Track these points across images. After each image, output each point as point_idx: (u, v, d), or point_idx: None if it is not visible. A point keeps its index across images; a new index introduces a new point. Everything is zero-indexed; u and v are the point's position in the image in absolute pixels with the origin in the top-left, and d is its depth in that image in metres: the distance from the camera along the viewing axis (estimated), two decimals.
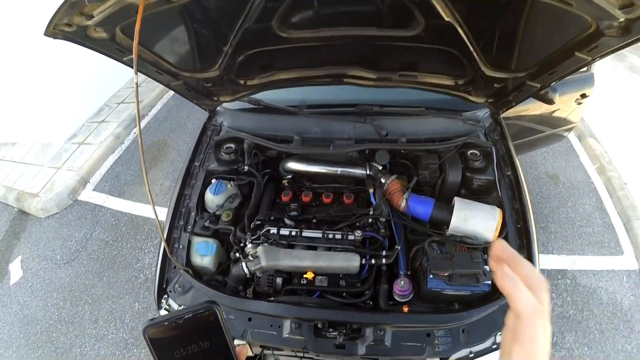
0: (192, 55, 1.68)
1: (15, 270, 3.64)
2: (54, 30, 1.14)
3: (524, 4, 1.29)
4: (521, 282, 0.50)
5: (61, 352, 2.95)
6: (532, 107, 2.83)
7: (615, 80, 5.16)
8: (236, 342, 1.50)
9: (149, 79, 1.63)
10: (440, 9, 1.32)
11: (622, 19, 1.03)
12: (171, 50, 1.61)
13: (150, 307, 3.04)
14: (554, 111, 3.02)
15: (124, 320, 3.02)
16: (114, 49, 1.36)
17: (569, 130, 3.34)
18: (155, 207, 3.81)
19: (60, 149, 4.72)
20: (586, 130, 4.26)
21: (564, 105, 2.99)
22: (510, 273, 0.51)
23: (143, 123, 4.89)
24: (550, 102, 2.22)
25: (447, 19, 1.35)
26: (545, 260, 3.10)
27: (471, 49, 1.54)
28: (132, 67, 1.46)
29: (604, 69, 5.37)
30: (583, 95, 2.98)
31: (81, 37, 1.23)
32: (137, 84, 1.14)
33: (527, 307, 0.49)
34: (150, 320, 0.50)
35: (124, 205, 3.92)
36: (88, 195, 4.13)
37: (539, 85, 1.61)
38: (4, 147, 5.22)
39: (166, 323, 0.51)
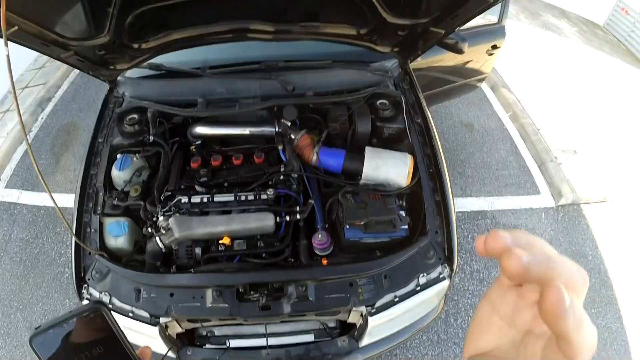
0: (77, 21, 1.53)
1: None
2: None
3: None
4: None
5: None
6: (445, 58, 2.91)
7: (529, 36, 5.48)
8: (137, 343, 1.45)
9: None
10: None
11: None
12: (54, 17, 1.44)
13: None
14: (467, 62, 3.14)
15: None
16: None
17: (481, 80, 3.50)
18: (72, 194, 3.54)
19: None
20: (499, 81, 4.49)
21: (475, 56, 3.12)
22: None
23: (50, 106, 4.48)
24: (459, 51, 2.29)
25: None
26: (465, 203, 3.27)
27: None
28: (18, 43, 1.31)
29: (519, 26, 5.68)
30: (494, 47, 3.12)
31: None
32: (8, 56, 0.99)
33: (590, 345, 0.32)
34: (36, 328, 0.46)
35: (39, 198, 3.63)
36: (1, 194, 3.75)
37: (443, 31, 1.60)
38: None
39: (51, 330, 0.47)
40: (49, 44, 1.47)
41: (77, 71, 4.76)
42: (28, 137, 4.22)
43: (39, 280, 3.07)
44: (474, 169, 3.52)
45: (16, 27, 1.23)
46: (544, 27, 5.93)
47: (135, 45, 1.75)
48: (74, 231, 1.61)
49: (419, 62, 2.77)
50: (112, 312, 0.50)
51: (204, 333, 1.79)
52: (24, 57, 4.90)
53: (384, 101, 1.92)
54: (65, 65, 4.71)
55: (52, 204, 3.50)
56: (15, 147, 4.06)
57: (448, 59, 2.95)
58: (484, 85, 4.09)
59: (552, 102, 4.30)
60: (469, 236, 3.07)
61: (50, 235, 3.31)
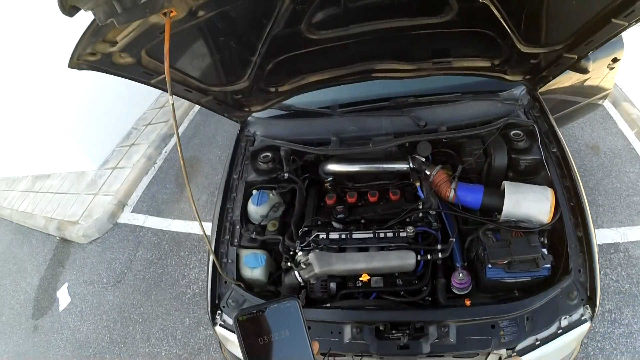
0: (220, 69, 1.68)
1: (63, 296, 3.77)
2: (78, 61, 1.11)
3: None
4: None
5: None
6: (563, 79, 2.72)
7: None
8: None
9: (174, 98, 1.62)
10: None
11: None
12: (198, 66, 1.59)
13: (201, 321, 3.08)
14: (586, 80, 2.90)
15: (176, 337, 3.06)
16: (141, 73, 1.34)
17: (604, 97, 3.19)
18: (195, 222, 3.86)
19: (94, 175, 4.87)
20: (620, 95, 4.07)
21: (595, 72, 2.87)
22: None
23: (172, 141, 4.98)
24: (585, 71, 2.15)
25: (481, 0, 1.31)
26: (597, 235, 2.97)
27: (505, 27, 1.50)
28: (161, 89, 1.48)
29: (633, 29, 5.13)
30: (614, 60, 2.85)
31: (107, 65, 1.21)
32: (173, 105, 1.11)
33: None
34: (242, 309, 0.59)
35: (163, 223, 3.99)
36: (127, 217, 4.24)
37: (576, 57, 1.54)
38: (39, 180, 5.44)
39: (254, 312, 0.60)
40: (192, 90, 1.62)
41: (196, 110, 5.25)
42: (153, 168, 4.74)
43: (161, 298, 3.35)
44: (604, 196, 3.19)
45: (163, 76, 1.38)
46: None
47: (272, 89, 1.88)
48: (213, 262, 1.70)
49: None
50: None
51: None
52: (146, 97, 5.56)
53: (518, 131, 1.83)
54: (186, 104, 5.25)
55: (177, 229, 3.88)
56: (141, 176, 4.58)
57: (566, 79, 2.75)
58: (605, 102, 3.73)
59: None
60: (601, 272, 2.75)
61: (175, 257, 3.62)
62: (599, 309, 2.58)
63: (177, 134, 1.12)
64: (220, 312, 1.64)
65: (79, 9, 0.81)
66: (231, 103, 1.91)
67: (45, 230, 4.60)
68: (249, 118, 2.16)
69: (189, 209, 4.02)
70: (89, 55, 1.12)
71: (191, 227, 3.83)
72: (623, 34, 2.87)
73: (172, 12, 0.92)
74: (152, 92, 5.64)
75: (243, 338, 0.58)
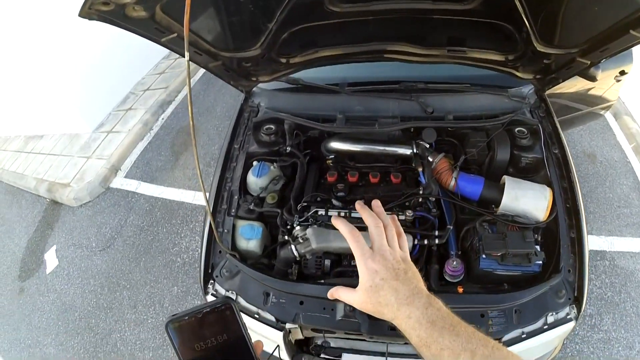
0: (234, 34, 1.63)
1: (51, 259, 3.75)
2: (90, 10, 1.06)
3: None
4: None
5: (100, 337, 3.02)
6: (569, 85, 2.74)
7: None
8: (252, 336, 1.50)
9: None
10: None
11: None
12: (211, 28, 1.55)
13: (189, 290, 3.09)
14: (591, 89, 2.91)
15: (163, 304, 3.07)
16: (153, 29, 1.29)
17: (607, 108, 3.23)
18: (189, 190, 3.83)
19: (88, 138, 4.80)
20: (622, 109, 4.13)
21: (601, 82, 2.88)
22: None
23: (170, 108, 4.92)
24: (593, 79, 2.15)
25: None
26: None
27: (526, 23, 1.48)
28: (169, 48, 1.44)
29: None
30: (622, 72, 2.87)
31: (118, 17, 1.16)
32: (188, 62, 1.08)
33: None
34: (172, 315, 0.55)
35: (156, 190, 3.97)
36: (120, 182, 4.19)
37: (589, 62, 1.54)
38: (32, 141, 5.35)
39: (187, 318, 0.56)
40: (202, 53, 1.57)
41: (197, 78, 5.17)
42: (149, 134, 4.67)
43: (150, 265, 3.34)
44: (596, 204, 3.26)
45: (175, 34, 1.34)
46: None
47: (283, 60, 1.84)
48: (209, 230, 1.69)
49: None
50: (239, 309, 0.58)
51: (320, 342, 1.82)
52: (146, 62, 5.45)
53: (522, 129, 1.84)
54: (186, 72, 5.18)
55: (170, 197, 3.85)
56: (136, 142, 4.52)
57: (572, 85, 2.76)
58: (607, 113, 3.77)
59: None
60: None
61: (166, 225, 3.60)
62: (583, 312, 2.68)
63: (190, 91, 1.10)
64: (212, 281, 1.63)
65: None
66: (239, 71, 1.87)
67: (35, 191, 4.55)
68: (254, 89, 2.13)
69: (183, 177, 3.99)
70: (102, 5, 1.07)
71: (184, 195, 3.81)
72: (634, 49, 2.91)
73: None
74: (152, 57, 5.54)
75: (177, 346, 0.55)
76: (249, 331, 0.58)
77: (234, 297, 1.61)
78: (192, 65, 1.66)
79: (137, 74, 5.46)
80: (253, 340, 0.59)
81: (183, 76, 5.17)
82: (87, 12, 1.07)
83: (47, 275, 3.62)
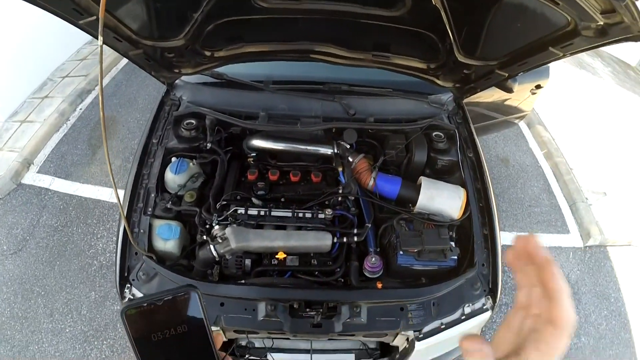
0: (157, 22, 1.56)
1: None
2: None
3: None
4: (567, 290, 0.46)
5: (18, 350, 2.73)
6: (487, 95, 2.91)
7: (564, 75, 5.49)
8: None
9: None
10: None
11: (600, 22, 1.07)
12: (133, 14, 1.47)
13: (107, 295, 2.89)
14: (507, 99, 3.14)
15: (81, 312, 2.84)
16: (71, 10, 1.21)
17: (521, 118, 3.49)
18: (106, 187, 3.57)
19: (0, 128, 4.30)
20: (535, 118, 4.51)
21: (517, 94, 3.12)
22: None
23: (89, 98, 4.54)
24: (510, 90, 2.29)
25: (434, 2, 1.35)
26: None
27: (449, 33, 1.56)
28: (88, 32, 1.33)
29: (555, 64, 5.73)
30: (538, 86, 3.12)
31: None
32: (101, 47, 0.99)
33: (570, 319, 0.45)
34: (129, 300, 0.50)
35: (71, 187, 3.65)
36: (32, 178, 3.80)
37: (507, 75, 1.66)
38: None
39: (145, 305, 0.50)
40: (122, 40, 1.49)
41: (119, 67, 4.84)
42: (65, 125, 4.31)
43: (65, 269, 3.09)
44: (508, 203, 3.53)
45: (94, 17, 1.26)
46: (579, 66, 5.93)
47: (207, 53, 1.78)
48: (124, 231, 1.59)
49: None
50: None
51: (244, 343, 1.78)
52: (66, 46, 5.01)
53: (440, 133, 1.95)
54: (109, 60, 4.83)
55: (85, 195, 3.57)
56: (51, 133, 4.14)
57: (489, 95, 2.95)
58: (521, 123, 4.12)
59: (585, 141, 4.32)
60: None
61: (81, 225, 3.34)
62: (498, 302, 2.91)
63: (101, 78, 1.01)
64: (129, 285, 1.53)
65: None
66: (161, 61, 1.78)
67: None
68: (177, 81, 2.04)
69: (100, 173, 3.71)
70: None
71: (101, 193, 3.56)
72: (551, 65, 3.19)
73: None
74: (74, 42, 5.05)
75: (133, 335, 0.50)
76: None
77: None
78: (115, 54, 1.53)
79: (56, 59, 4.95)
80: (213, 333, 0.55)
81: (106, 64, 4.79)
82: None
83: None
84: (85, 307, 2.87)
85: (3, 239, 3.37)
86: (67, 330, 2.79)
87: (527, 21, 1.41)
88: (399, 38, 1.75)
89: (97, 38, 1.32)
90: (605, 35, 1.11)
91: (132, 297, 1.54)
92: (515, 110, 3.33)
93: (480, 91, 1.95)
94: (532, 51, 1.43)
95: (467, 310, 1.55)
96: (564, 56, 1.32)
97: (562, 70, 5.56)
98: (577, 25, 1.16)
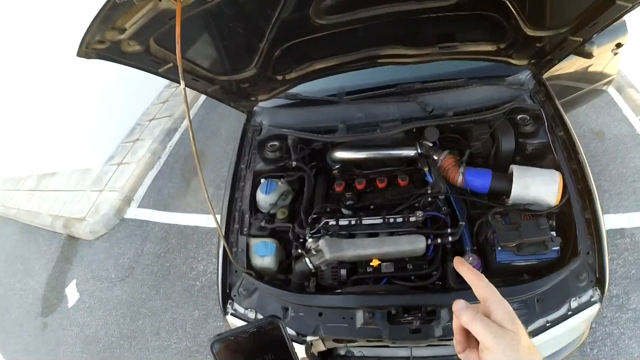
0: (228, 57, 1.67)
1: (72, 293, 3.80)
2: (87, 49, 1.12)
3: None
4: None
5: None
6: (567, 65, 2.71)
7: None
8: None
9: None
10: None
11: None
12: (206, 54, 1.60)
13: (210, 313, 3.11)
14: (589, 66, 2.89)
15: (186, 329, 3.08)
16: (150, 61, 1.35)
17: (608, 83, 3.20)
18: (202, 214, 3.86)
19: (99, 172, 4.89)
20: (624, 81, 4.07)
21: (599, 58, 2.86)
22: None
23: (177, 135, 5.00)
24: (589, 56, 2.14)
25: None
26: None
27: (512, 9, 1.51)
28: (168, 78, 1.49)
29: (636, 14, 5.11)
30: (618, 45, 2.84)
31: (115, 53, 1.22)
32: (184, 89, 1.10)
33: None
34: (217, 335, 0.53)
35: (170, 217, 4.02)
36: (134, 212, 4.26)
37: (581, 39, 1.54)
38: (44, 179, 5.47)
39: (232, 337, 0.53)
40: (199, 79, 1.62)
41: (199, 103, 5.25)
42: (158, 162, 4.75)
43: (169, 291, 3.37)
44: (610, 182, 3.19)
45: (171, 64, 1.39)
46: None
47: (279, 77, 1.88)
48: (223, 251, 1.71)
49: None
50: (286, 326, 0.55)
51: (343, 353, 1.82)
52: (148, 92, 5.56)
53: (524, 116, 1.84)
54: (189, 98, 5.27)
55: (184, 223, 3.89)
56: (146, 171, 4.59)
57: (570, 65, 2.74)
58: (609, 88, 3.72)
59: None
60: (608, 257, 2.77)
61: (182, 251, 3.63)
62: (607, 294, 2.62)
63: (189, 117, 1.12)
64: (231, 301, 1.65)
65: None
66: (238, 92, 1.91)
67: (51, 228, 4.63)
68: (255, 108, 2.16)
69: (195, 202, 4.03)
70: (98, 44, 1.13)
71: (198, 220, 3.85)
72: (627, 19, 2.88)
73: None
74: (155, 87, 5.65)
75: None
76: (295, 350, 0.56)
77: (253, 315, 1.62)
78: (194, 92, 1.69)
79: (141, 104, 5.56)
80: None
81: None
82: (84, 52, 1.13)
83: (69, 309, 3.67)
84: (190, 325, 3.10)
85: (111, 268, 3.80)
86: (173, 347, 3.02)
87: None
88: (462, 25, 1.72)
89: (177, 82, 1.48)
90: None
91: (233, 312, 1.64)
92: (600, 76, 3.06)
93: (559, 62, 1.81)
94: (600, 9, 1.34)
95: (574, 304, 1.44)
96: (633, 7, 1.23)
97: None
98: None
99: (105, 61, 1.24)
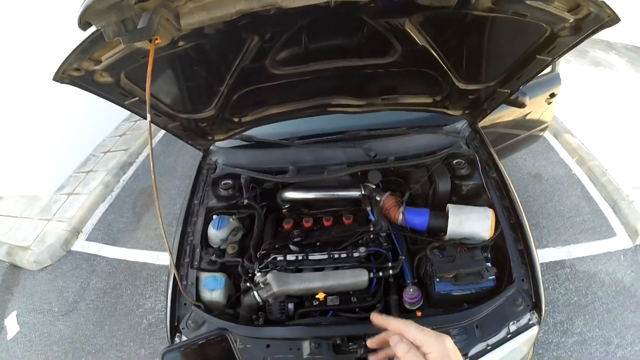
0: (189, 97, 1.77)
1: (12, 325, 3.54)
2: (63, 75, 1.20)
3: (485, 21, 1.43)
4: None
5: None
6: (505, 114, 3.00)
7: (581, 76, 5.46)
8: None
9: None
10: (414, 36, 1.46)
11: (571, 20, 1.16)
12: (170, 93, 1.68)
13: (156, 351, 2.98)
14: (527, 114, 3.20)
15: None
16: (118, 93, 1.42)
17: (544, 129, 3.52)
18: (152, 251, 3.77)
19: (49, 200, 4.68)
20: (560, 127, 4.48)
21: (535, 107, 3.17)
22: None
23: (131, 170, 4.91)
24: (521, 105, 2.38)
25: (421, 43, 1.49)
26: (542, 254, 3.19)
27: (445, 67, 1.69)
28: (132, 111, 1.55)
29: (569, 67, 5.68)
30: (552, 95, 3.18)
31: (87, 82, 1.29)
32: (150, 123, 1.16)
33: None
34: (168, 347, 0.56)
35: (119, 252, 3.89)
36: (81, 245, 4.08)
37: (509, 91, 1.75)
38: None
39: (182, 349, 0.57)
40: (161, 115, 1.70)
41: (157, 140, 5.25)
42: (110, 196, 4.61)
43: (114, 328, 3.23)
44: (548, 219, 3.46)
45: (137, 98, 1.48)
46: (594, 64, 5.87)
47: (236, 119, 1.98)
48: (173, 283, 1.71)
49: (483, 121, 2.88)
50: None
51: None
52: (106, 124, 5.48)
53: (460, 160, 2.01)
54: (146, 134, 5.23)
55: (132, 259, 3.76)
56: (97, 204, 4.45)
57: (508, 114, 3.03)
58: (546, 134, 4.08)
59: (615, 139, 4.23)
60: (550, 287, 2.98)
61: (129, 287, 3.51)
62: (551, 321, 2.77)
63: (152, 149, 1.18)
64: (179, 333, 1.63)
65: (91, 25, 0.92)
66: (196, 130, 1.99)
67: None
68: (212, 147, 2.24)
69: (145, 238, 3.94)
70: (74, 71, 1.20)
71: (147, 256, 3.76)
72: (560, 72, 3.21)
73: (157, 39, 1.02)
74: (112, 120, 5.59)
75: None
76: None
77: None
78: (153, 127, 1.74)
79: (97, 136, 5.45)
80: None
81: (143, 138, 5.20)
82: (60, 77, 1.20)
83: (8, 342, 3.40)
84: None
85: (54, 301, 3.58)
86: None
87: (509, 38, 1.52)
88: (402, 79, 1.88)
89: (140, 115, 1.55)
90: (581, 30, 1.19)
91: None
92: (537, 123, 3.38)
93: (491, 112, 2.02)
94: (523, 64, 1.53)
95: (513, 328, 1.52)
96: (553, 60, 1.42)
97: (578, 73, 5.52)
98: (553, 29, 1.26)
99: (75, 87, 1.30)
